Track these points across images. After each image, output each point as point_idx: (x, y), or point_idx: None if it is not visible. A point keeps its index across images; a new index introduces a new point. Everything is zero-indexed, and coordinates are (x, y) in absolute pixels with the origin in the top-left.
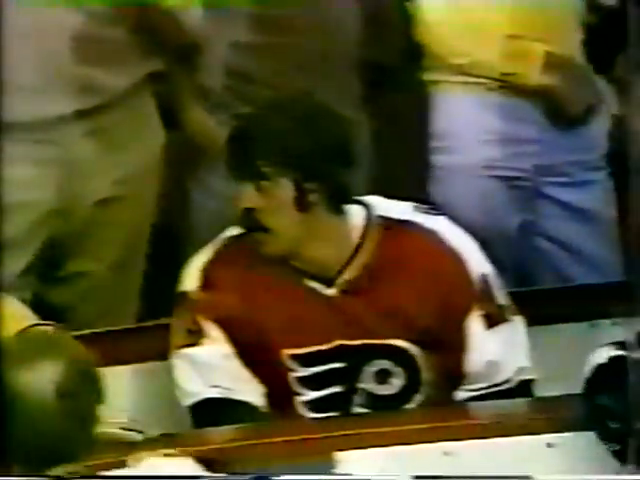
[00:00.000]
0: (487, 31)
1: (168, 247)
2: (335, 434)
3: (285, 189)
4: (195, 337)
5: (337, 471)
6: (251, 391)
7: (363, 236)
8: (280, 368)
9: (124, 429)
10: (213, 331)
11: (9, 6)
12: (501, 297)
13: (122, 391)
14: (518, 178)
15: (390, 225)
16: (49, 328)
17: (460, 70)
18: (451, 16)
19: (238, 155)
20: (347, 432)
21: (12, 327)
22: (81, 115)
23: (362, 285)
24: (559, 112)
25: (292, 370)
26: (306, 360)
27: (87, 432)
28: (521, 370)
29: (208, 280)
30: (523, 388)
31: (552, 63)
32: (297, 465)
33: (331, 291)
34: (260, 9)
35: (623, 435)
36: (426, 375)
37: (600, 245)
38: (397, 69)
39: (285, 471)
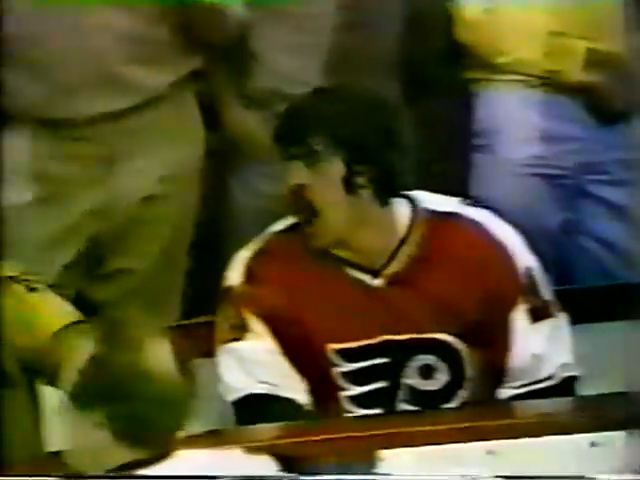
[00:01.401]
0: (529, 29)
1: (210, 245)
2: (378, 432)
3: (334, 168)
4: (239, 332)
5: (379, 469)
6: (295, 388)
7: (409, 228)
8: (324, 363)
9: None
10: (257, 326)
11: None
12: (546, 292)
13: None
14: (560, 176)
15: (436, 218)
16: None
17: (502, 68)
18: (492, 15)
19: (290, 132)
20: (390, 430)
21: (54, 324)
22: (124, 113)
23: (409, 277)
24: (601, 109)
25: (336, 365)
26: (351, 355)
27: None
28: (565, 366)
29: (252, 274)
30: (567, 385)
31: (594, 60)
32: (340, 463)
33: (378, 282)
34: (301, 7)
35: None
36: (470, 371)
37: None
38: (439, 69)
39: (329, 470)
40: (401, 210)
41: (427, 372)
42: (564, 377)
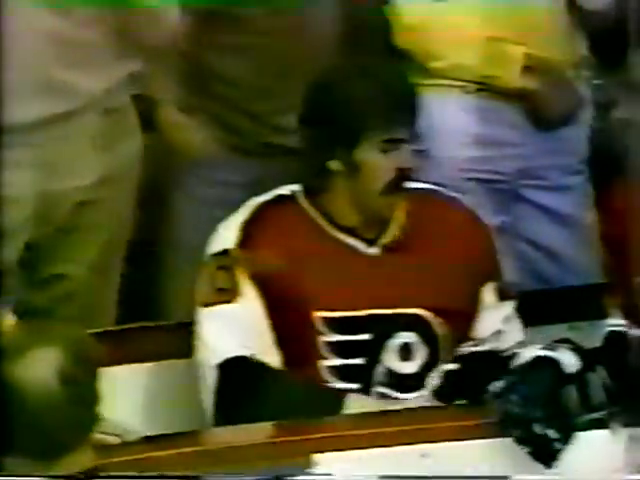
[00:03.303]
0: (466, 34)
1: (147, 250)
2: (312, 437)
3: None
4: (228, 295)
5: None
6: (276, 356)
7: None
8: (311, 330)
9: (102, 432)
10: (249, 289)
11: None
12: (509, 275)
13: (117, 391)
14: (497, 181)
15: (415, 193)
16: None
17: (439, 73)
18: (430, 19)
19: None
20: (324, 434)
21: None
22: (60, 118)
23: (403, 245)
24: (539, 115)
25: (322, 333)
26: (336, 325)
27: (91, 417)
28: (519, 344)
29: (247, 238)
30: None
31: (532, 66)
32: (274, 467)
33: (373, 250)
34: (238, 10)
35: (535, 437)
36: (444, 355)
37: (578, 248)
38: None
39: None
40: None
41: (405, 352)
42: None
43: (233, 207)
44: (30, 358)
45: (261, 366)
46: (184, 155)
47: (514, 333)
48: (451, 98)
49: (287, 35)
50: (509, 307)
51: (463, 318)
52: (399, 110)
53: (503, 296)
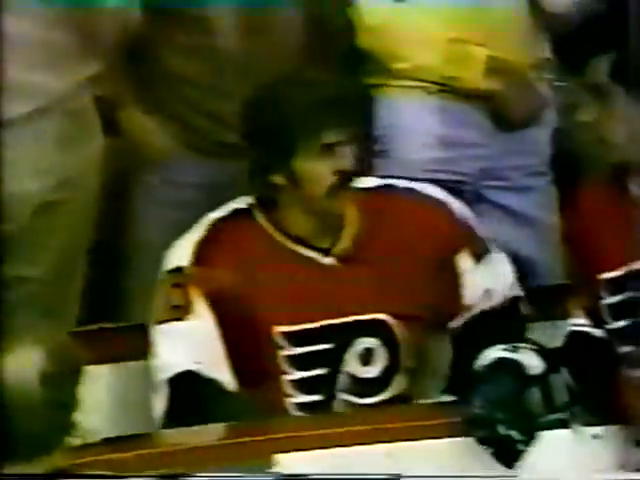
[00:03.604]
0: (428, 35)
1: (109, 252)
2: (273, 436)
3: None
4: (181, 312)
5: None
6: (228, 373)
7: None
8: (270, 345)
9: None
10: (202, 308)
11: None
12: (481, 232)
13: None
14: (459, 182)
15: (366, 193)
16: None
17: (401, 74)
18: (392, 20)
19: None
20: (286, 434)
21: None
22: (21, 119)
23: (358, 253)
24: (501, 116)
25: (281, 348)
26: (296, 338)
27: (68, 420)
28: (510, 287)
29: (202, 256)
30: (512, 305)
31: (494, 67)
32: (236, 467)
33: (329, 260)
34: (199, 11)
35: (498, 438)
36: (405, 358)
37: (540, 248)
38: (338, 74)
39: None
40: None
41: (367, 357)
42: (510, 297)
43: (194, 208)
44: (12, 359)
45: (210, 382)
46: (146, 156)
47: (503, 282)
48: (413, 99)
49: (248, 35)
50: (489, 261)
51: (430, 311)
52: (330, 113)
53: (480, 256)
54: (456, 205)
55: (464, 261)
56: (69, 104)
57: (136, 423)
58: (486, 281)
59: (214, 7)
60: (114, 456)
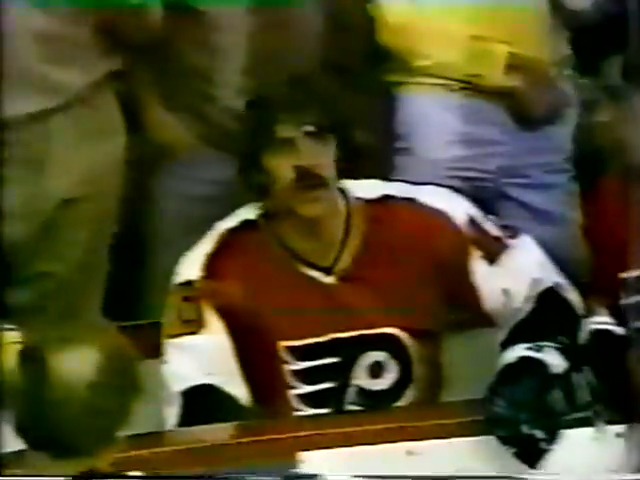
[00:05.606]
0: (450, 32)
1: (131, 248)
2: (298, 434)
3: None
4: (193, 326)
5: (300, 471)
6: (241, 387)
7: (347, 220)
8: (276, 360)
9: None
10: (214, 321)
11: None
12: (492, 228)
13: None
14: (481, 179)
15: (370, 205)
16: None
17: (423, 72)
18: (414, 18)
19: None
20: (310, 432)
21: None
22: (43, 114)
23: (358, 272)
24: (522, 114)
25: (287, 362)
26: (302, 353)
27: (109, 430)
28: (536, 282)
29: (212, 270)
30: (548, 297)
31: (516, 65)
32: (261, 465)
33: (330, 279)
34: (221, 10)
35: (522, 438)
36: (418, 369)
37: (562, 246)
38: (360, 72)
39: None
40: (338, 201)
41: (377, 370)
42: (540, 292)
43: (214, 204)
44: (71, 356)
45: (225, 395)
46: (167, 152)
47: (524, 279)
48: (435, 96)
49: (270, 33)
50: (505, 259)
51: (444, 321)
52: (285, 108)
53: (493, 256)
54: (458, 212)
55: (476, 265)
56: (91, 100)
57: (156, 421)
58: (503, 281)
59: (235, 5)
60: (135, 454)
